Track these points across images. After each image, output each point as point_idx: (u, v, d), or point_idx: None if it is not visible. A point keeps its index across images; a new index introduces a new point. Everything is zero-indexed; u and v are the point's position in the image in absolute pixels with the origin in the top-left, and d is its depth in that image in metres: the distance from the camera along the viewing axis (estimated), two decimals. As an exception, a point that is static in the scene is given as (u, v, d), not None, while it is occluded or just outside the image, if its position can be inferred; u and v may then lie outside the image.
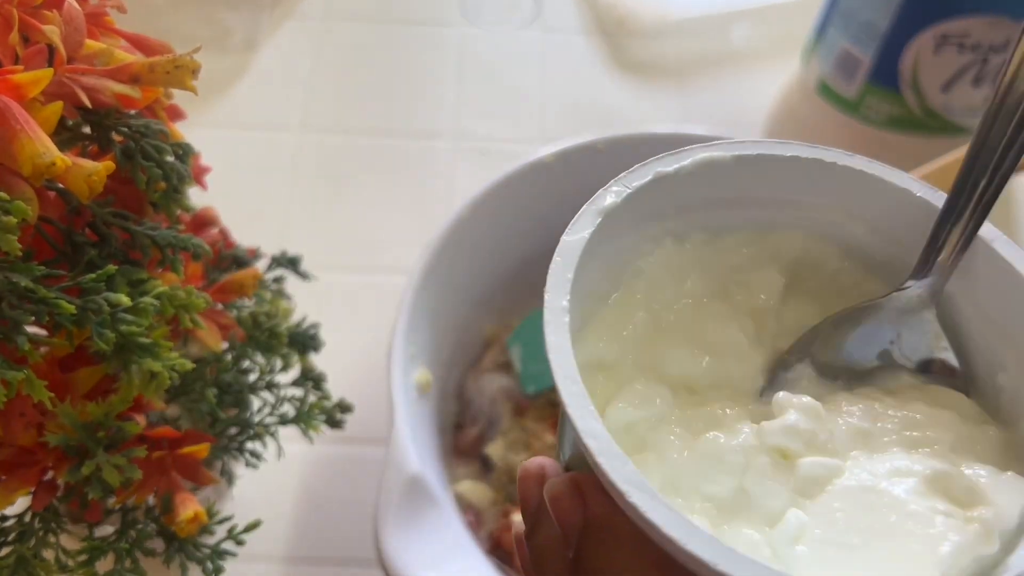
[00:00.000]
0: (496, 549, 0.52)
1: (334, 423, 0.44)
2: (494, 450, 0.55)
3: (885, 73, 0.67)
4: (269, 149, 0.79)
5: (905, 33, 0.64)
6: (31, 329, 0.31)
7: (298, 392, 0.46)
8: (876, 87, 0.68)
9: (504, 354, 0.60)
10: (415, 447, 0.45)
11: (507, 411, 0.57)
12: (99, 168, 0.28)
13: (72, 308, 0.29)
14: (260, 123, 0.81)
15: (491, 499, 0.54)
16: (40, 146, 0.25)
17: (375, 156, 0.79)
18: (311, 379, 0.46)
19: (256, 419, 0.43)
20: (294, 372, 0.47)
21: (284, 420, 0.43)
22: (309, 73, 0.85)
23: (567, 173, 0.58)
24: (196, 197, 0.45)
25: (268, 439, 0.44)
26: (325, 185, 0.77)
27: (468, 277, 0.57)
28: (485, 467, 0.56)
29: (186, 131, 0.37)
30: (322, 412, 0.43)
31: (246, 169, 0.77)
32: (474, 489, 0.54)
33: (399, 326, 0.49)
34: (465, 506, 0.53)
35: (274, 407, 0.44)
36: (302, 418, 0.43)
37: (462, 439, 0.57)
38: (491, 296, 0.60)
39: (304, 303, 0.51)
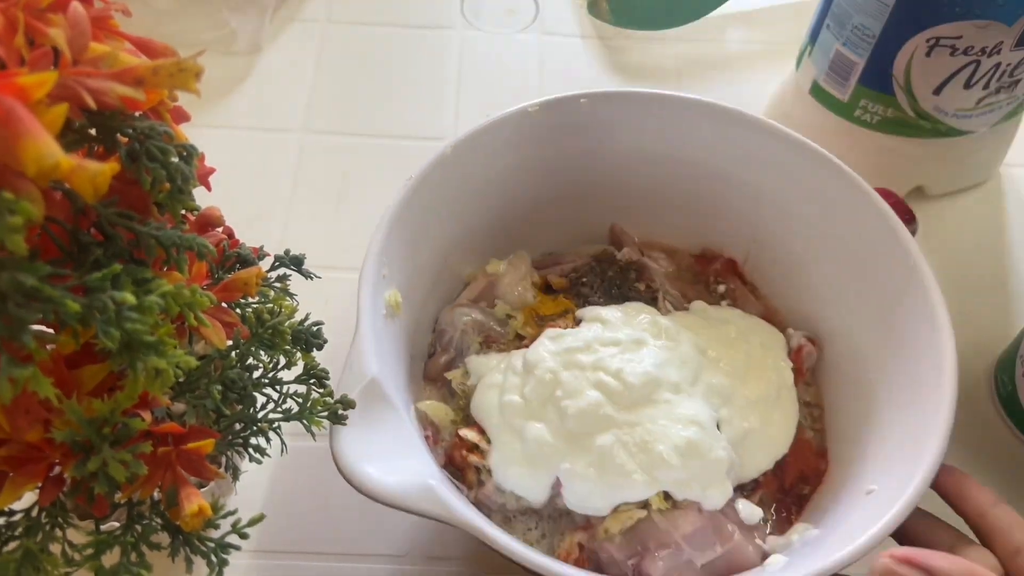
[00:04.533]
0: (448, 464, 0.54)
1: (336, 419, 0.45)
2: (454, 376, 0.58)
3: (878, 76, 0.67)
4: (273, 150, 0.80)
5: (898, 36, 0.64)
6: (38, 327, 0.31)
7: (302, 388, 0.46)
8: (869, 89, 0.69)
9: (478, 292, 0.63)
10: (376, 354, 0.48)
11: (475, 343, 0.60)
12: (104, 169, 0.28)
13: (77, 307, 0.29)
14: (264, 124, 0.82)
15: (451, 419, 0.56)
16: (45, 148, 0.26)
17: (377, 157, 0.80)
18: (314, 376, 0.47)
19: (260, 415, 0.44)
20: (297, 369, 0.47)
21: (288, 416, 0.44)
22: (312, 75, 0.86)
23: (549, 123, 0.60)
24: (201, 197, 0.45)
25: (272, 435, 0.45)
26: (328, 185, 0.78)
27: (448, 216, 0.59)
28: (450, 392, 0.59)
29: (192, 132, 0.38)
30: (324, 408, 0.44)
31: (251, 169, 0.78)
32: (436, 408, 0.56)
33: (373, 247, 0.52)
34: (427, 423, 0.55)
35: (278, 403, 0.44)
36: (305, 415, 0.44)
37: (432, 365, 0.59)
38: (470, 238, 0.62)
39: (308, 302, 0.52)
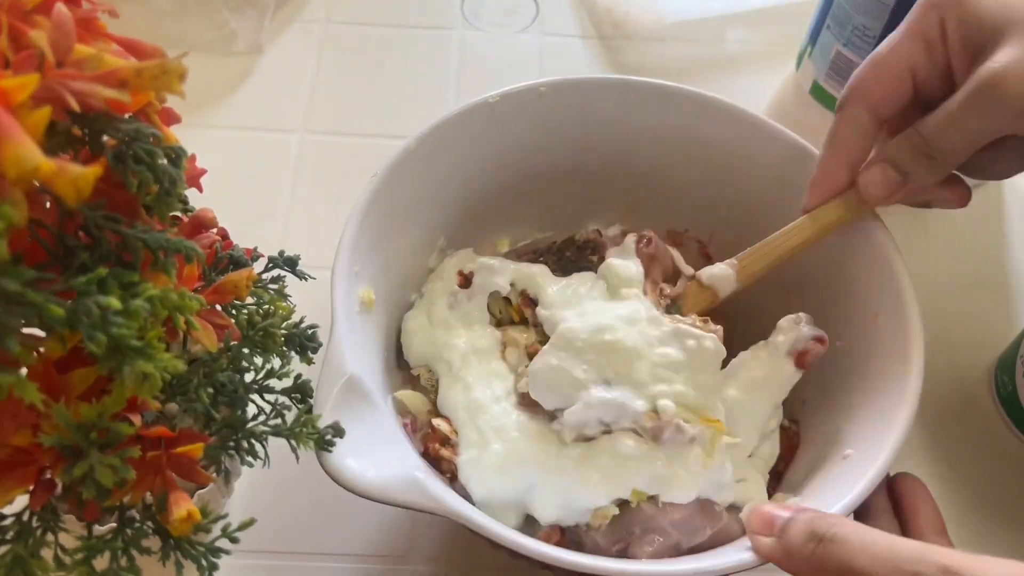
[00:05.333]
0: (424, 453, 0.54)
1: (322, 445, 0.43)
2: (421, 372, 0.58)
3: (878, 75, 0.67)
4: (273, 150, 0.80)
5: (897, 35, 0.64)
6: (31, 330, 0.31)
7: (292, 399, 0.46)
8: (871, 89, 0.68)
9: None
10: (352, 351, 0.48)
11: None
12: (86, 172, 0.28)
13: (61, 311, 0.29)
14: (264, 124, 0.82)
15: (427, 409, 0.56)
16: (24, 151, 0.26)
17: (377, 157, 0.79)
18: (299, 390, 0.46)
19: (248, 425, 0.43)
20: (288, 381, 0.46)
21: (277, 432, 0.43)
22: (312, 76, 0.85)
23: (511, 113, 0.61)
24: (199, 199, 0.45)
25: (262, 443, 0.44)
26: (328, 186, 0.77)
27: (415, 209, 0.59)
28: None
29: (192, 132, 0.38)
30: (313, 432, 0.43)
31: (251, 170, 0.78)
32: (412, 397, 0.56)
33: (344, 243, 0.52)
34: (403, 411, 0.55)
35: (269, 415, 0.44)
36: (293, 433, 0.43)
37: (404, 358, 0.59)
38: (436, 231, 0.62)
39: (309, 302, 0.52)
